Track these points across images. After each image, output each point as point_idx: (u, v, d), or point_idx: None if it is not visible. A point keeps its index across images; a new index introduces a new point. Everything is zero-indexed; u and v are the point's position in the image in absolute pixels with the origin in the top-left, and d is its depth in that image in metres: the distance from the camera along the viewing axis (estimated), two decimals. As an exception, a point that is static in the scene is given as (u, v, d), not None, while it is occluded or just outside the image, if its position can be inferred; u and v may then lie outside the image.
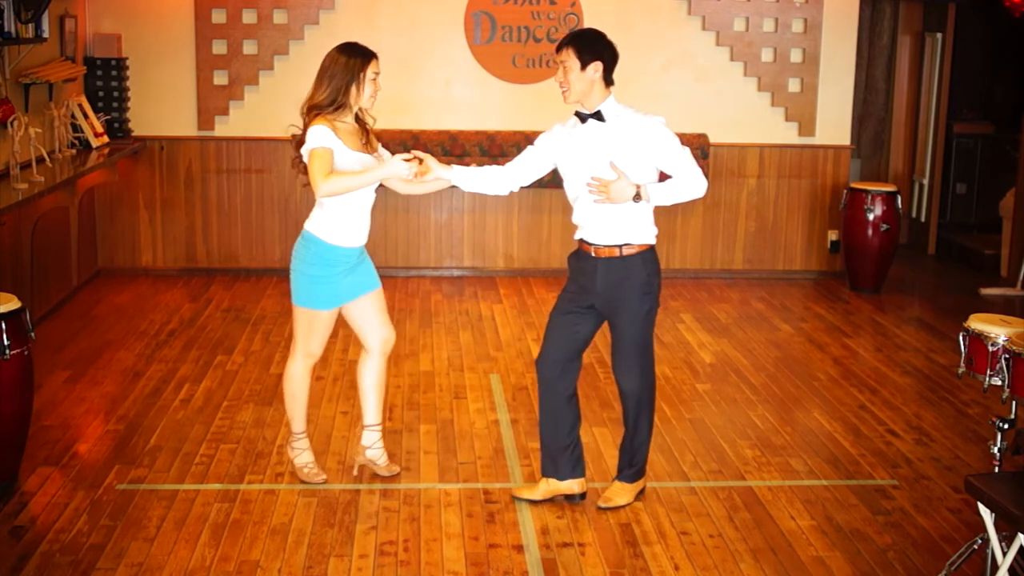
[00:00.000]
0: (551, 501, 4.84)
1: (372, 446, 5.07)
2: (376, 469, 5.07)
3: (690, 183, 4.51)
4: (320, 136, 4.58)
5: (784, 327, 7.78)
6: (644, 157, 4.53)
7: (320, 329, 4.86)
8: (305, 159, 4.65)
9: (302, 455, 5.06)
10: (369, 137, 4.82)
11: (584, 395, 6.20)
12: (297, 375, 4.96)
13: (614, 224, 4.55)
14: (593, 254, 4.62)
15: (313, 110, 4.68)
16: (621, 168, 4.46)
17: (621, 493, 4.82)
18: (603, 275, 4.60)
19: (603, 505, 4.78)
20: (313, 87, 4.71)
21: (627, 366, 4.70)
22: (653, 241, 4.65)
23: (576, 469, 4.83)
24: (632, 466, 4.83)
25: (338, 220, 4.73)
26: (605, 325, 4.77)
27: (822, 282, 9.13)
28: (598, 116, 4.55)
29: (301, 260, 4.80)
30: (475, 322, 7.67)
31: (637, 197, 4.44)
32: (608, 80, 4.55)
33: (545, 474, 4.86)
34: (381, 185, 4.79)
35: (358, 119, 4.80)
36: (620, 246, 4.57)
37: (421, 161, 4.64)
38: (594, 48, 4.50)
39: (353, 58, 4.69)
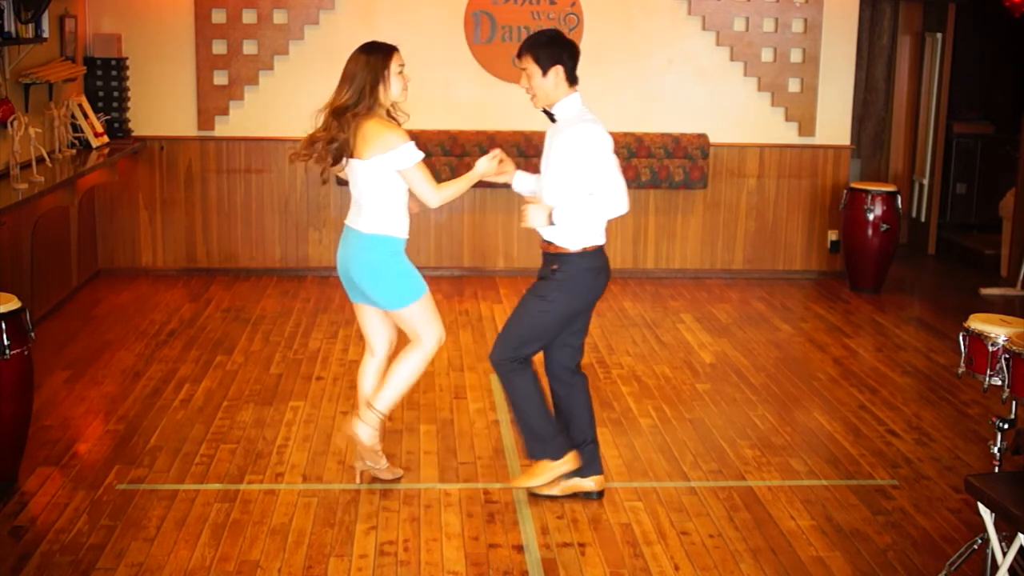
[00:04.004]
0: (554, 499, 4.83)
1: (364, 420, 4.99)
2: (376, 473, 5.05)
3: (602, 202, 4.55)
4: (414, 147, 4.66)
5: (784, 327, 7.78)
6: (571, 163, 4.57)
7: (435, 310, 4.93)
8: (393, 164, 4.65)
9: (373, 436, 4.93)
10: None
11: (584, 395, 6.21)
12: (421, 363, 4.94)
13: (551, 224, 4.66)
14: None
15: (341, 111, 4.67)
16: (554, 172, 4.61)
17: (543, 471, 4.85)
18: (543, 269, 4.79)
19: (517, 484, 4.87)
20: (336, 89, 4.72)
21: (500, 332, 4.83)
22: (572, 248, 4.65)
23: (591, 466, 4.85)
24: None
25: (400, 214, 4.79)
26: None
27: (822, 282, 9.13)
28: (551, 116, 4.68)
29: (387, 262, 4.79)
30: (475, 322, 7.67)
31: (551, 220, 4.57)
32: (571, 80, 4.61)
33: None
34: None
35: (390, 116, 4.81)
36: (548, 242, 4.74)
37: (502, 160, 4.82)
38: (551, 52, 4.56)
39: (374, 55, 4.70)
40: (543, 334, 4.74)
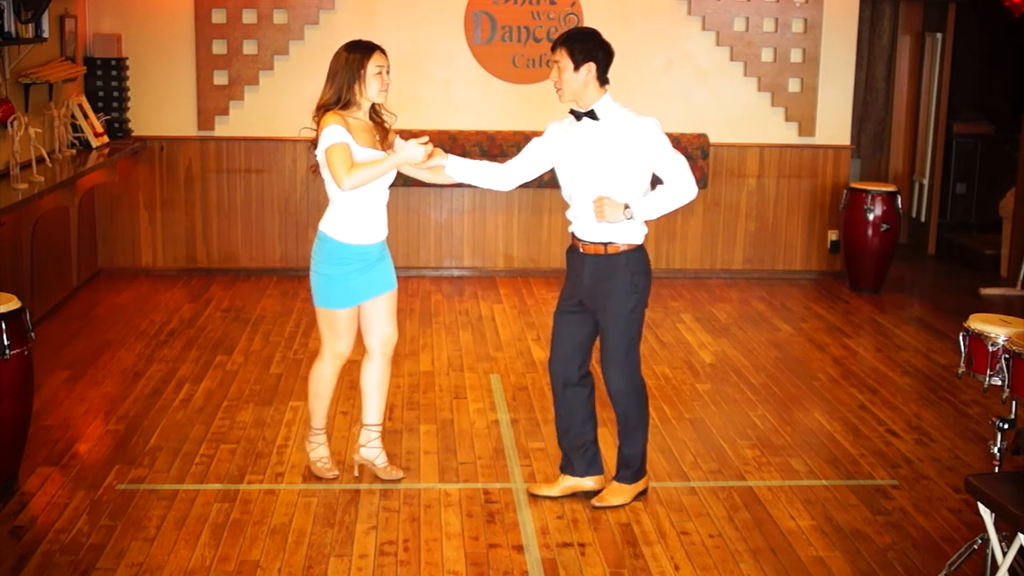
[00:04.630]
0: (554, 499, 4.84)
1: (368, 444, 5.06)
2: (375, 471, 5.07)
3: (679, 190, 4.60)
4: (334, 133, 4.59)
5: (784, 327, 7.78)
6: (636, 158, 4.55)
7: (342, 329, 4.88)
8: (321, 158, 4.66)
9: (318, 449, 5.09)
10: (386, 135, 4.84)
11: (584, 395, 6.21)
12: (325, 375, 4.97)
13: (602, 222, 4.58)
14: (581, 250, 4.68)
15: (321, 109, 4.70)
16: (614, 169, 4.54)
17: (617, 493, 4.82)
18: (589, 272, 4.66)
19: (597, 504, 4.78)
20: (324, 88, 4.73)
21: (609, 366, 4.73)
22: (640, 241, 4.66)
23: (592, 466, 4.86)
24: (627, 467, 4.82)
25: (351, 217, 4.74)
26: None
27: (822, 282, 9.13)
28: (592, 115, 4.57)
29: (316, 260, 4.82)
30: (475, 322, 7.67)
31: (628, 212, 4.52)
32: (603, 79, 4.56)
33: (562, 470, 4.90)
34: (391, 184, 4.81)
35: (373, 116, 4.80)
36: (605, 244, 4.61)
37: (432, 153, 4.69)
38: (587, 48, 4.51)
39: (353, 54, 4.69)
40: (639, 337, 4.78)
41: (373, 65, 4.68)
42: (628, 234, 4.60)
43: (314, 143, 4.72)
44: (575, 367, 4.80)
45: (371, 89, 4.69)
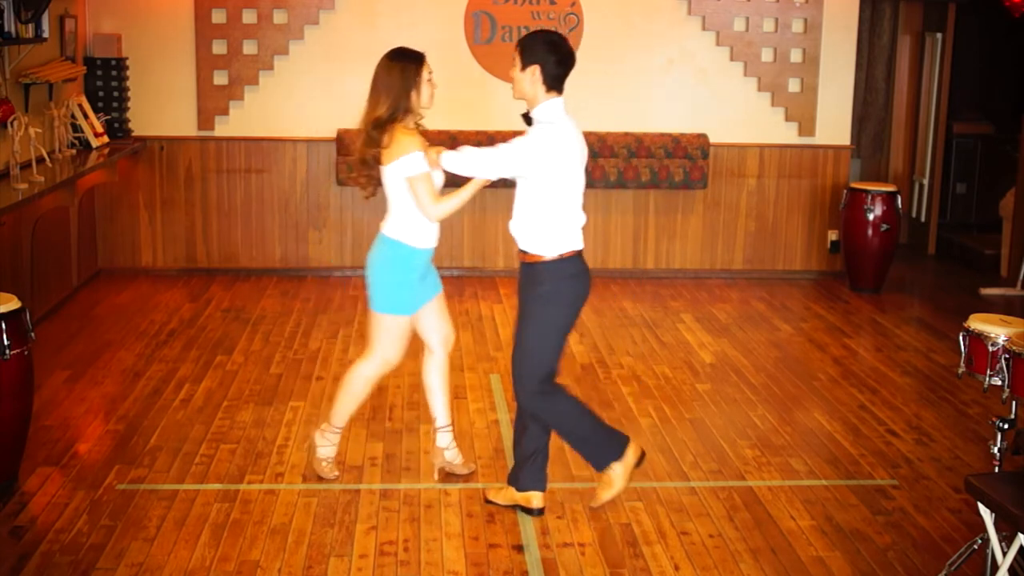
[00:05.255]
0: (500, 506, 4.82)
1: (449, 447, 5.08)
2: (454, 469, 5.09)
3: (487, 160, 4.54)
4: (419, 161, 4.64)
5: (784, 327, 7.78)
6: (525, 168, 4.52)
7: (401, 335, 4.89)
8: (395, 175, 4.68)
9: (328, 448, 5.07)
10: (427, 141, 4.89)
11: (585, 395, 6.21)
12: (367, 378, 4.97)
13: (521, 232, 4.58)
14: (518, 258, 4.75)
15: (381, 123, 4.67)
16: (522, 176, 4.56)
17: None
18: (519, 279, 4.72)
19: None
20: (370, 100, 4.70)
21: (512, 368, 4.69)
22: (550, 255, 4.53)
23: (537, 481, 4.73)
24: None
25: (423, 222, 4.77)
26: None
27: (822, 282, 9.13)
28: (527, 119, 4.59)
29: (386, 267, 4.82)
30: (475, 322, 7.67)
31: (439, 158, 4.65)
32: (551, 85, 4.49)
33: (508, 481, 4.85)
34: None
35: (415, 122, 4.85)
36: (524, 252, 4.62)
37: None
38: (535, 51, 4.49)
39: (408, 63, 4.73)
40: (553, 351, 4.62)
41: (425, 72, 4.76)
42: (538, 245, 4.54)
43: (375, 158, 4.70)
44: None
45: (424, 97, 4.76)
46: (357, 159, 4.82)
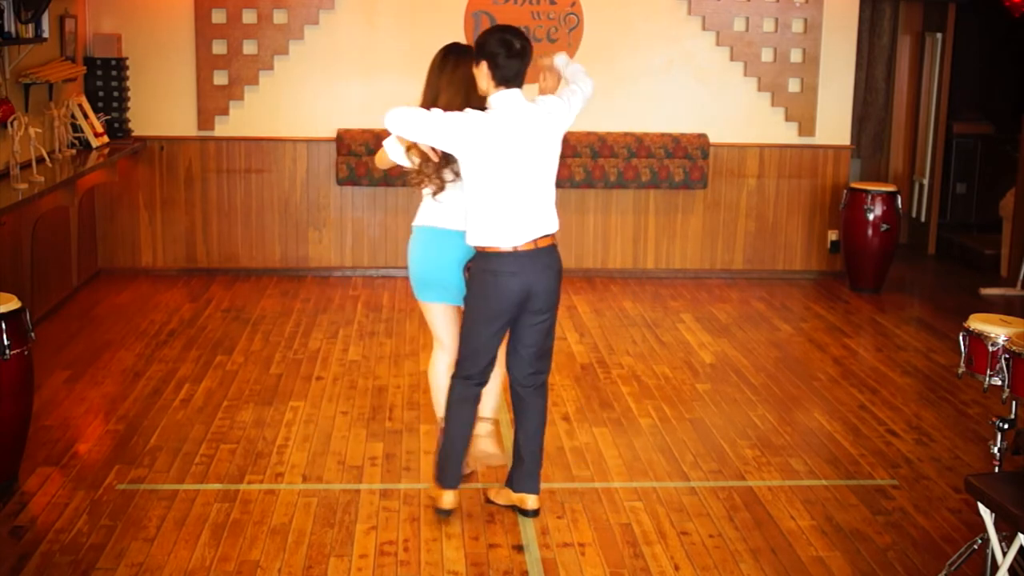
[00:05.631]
0: (546, 506, 4.84)
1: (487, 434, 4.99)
2: (490, 461, 5.03)
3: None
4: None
5: (784, 327, 7.78)
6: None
7: (443, 321, 4.96)
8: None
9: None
10: None
11: (584, 395, 6.21)
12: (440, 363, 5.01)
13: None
14: None
15: None
16: None
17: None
18: None
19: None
20: (453, 97, 4.62)
21: None
22: (474, 243, 4.52)
23: (527, 483, 4.74)
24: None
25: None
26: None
27: (822, 282, 9.13)
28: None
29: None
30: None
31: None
32: (500, 80, 4.47)
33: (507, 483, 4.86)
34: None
35: None
36: None
37: None
38: (484, 48, 4.50)
39: (469, 56, 4.73)
40: (476, 341, 4.57)
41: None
42: (468, 229, 4.55)
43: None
44: (516, 376, 4.71)
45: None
46: (434, 166, 4.72)
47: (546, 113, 4.57)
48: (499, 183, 4.43)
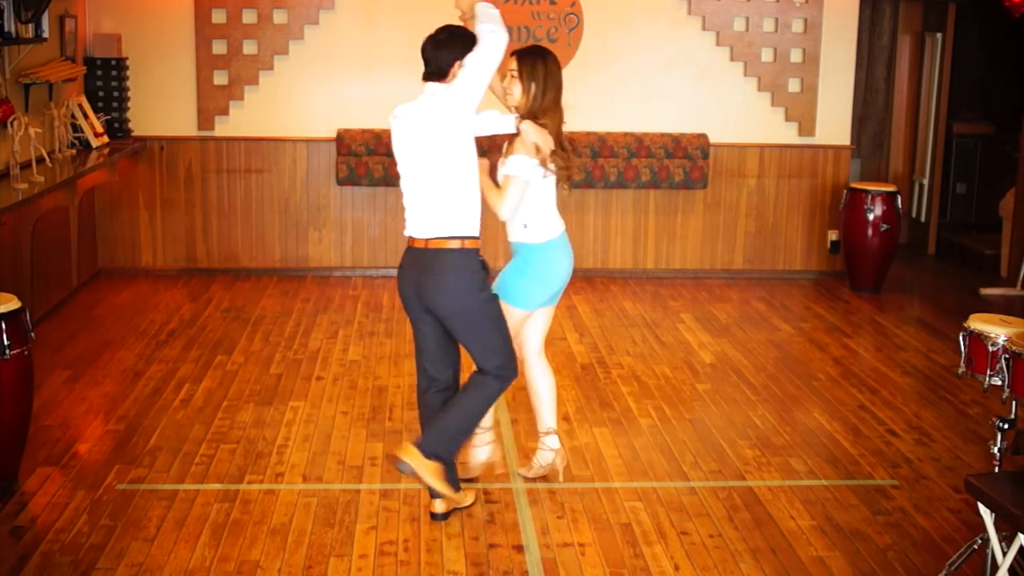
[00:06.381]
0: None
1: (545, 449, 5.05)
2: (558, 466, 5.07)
3: None
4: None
5: (784, 327, 7.78)
6: None
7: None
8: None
9: (545, 453, 5.04)
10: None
11: (584, 395, 6.21)
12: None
13: None
14: None
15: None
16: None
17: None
18: None
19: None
20: (537, 92, 4.90)
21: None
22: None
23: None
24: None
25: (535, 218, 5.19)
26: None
27: (822, 282, 9.13)
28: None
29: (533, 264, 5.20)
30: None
31: None
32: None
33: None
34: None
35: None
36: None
37: None
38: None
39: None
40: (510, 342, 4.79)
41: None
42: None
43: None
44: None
45: (498, 90, 5.14)
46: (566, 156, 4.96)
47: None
48: (402, 175, 4.76)
